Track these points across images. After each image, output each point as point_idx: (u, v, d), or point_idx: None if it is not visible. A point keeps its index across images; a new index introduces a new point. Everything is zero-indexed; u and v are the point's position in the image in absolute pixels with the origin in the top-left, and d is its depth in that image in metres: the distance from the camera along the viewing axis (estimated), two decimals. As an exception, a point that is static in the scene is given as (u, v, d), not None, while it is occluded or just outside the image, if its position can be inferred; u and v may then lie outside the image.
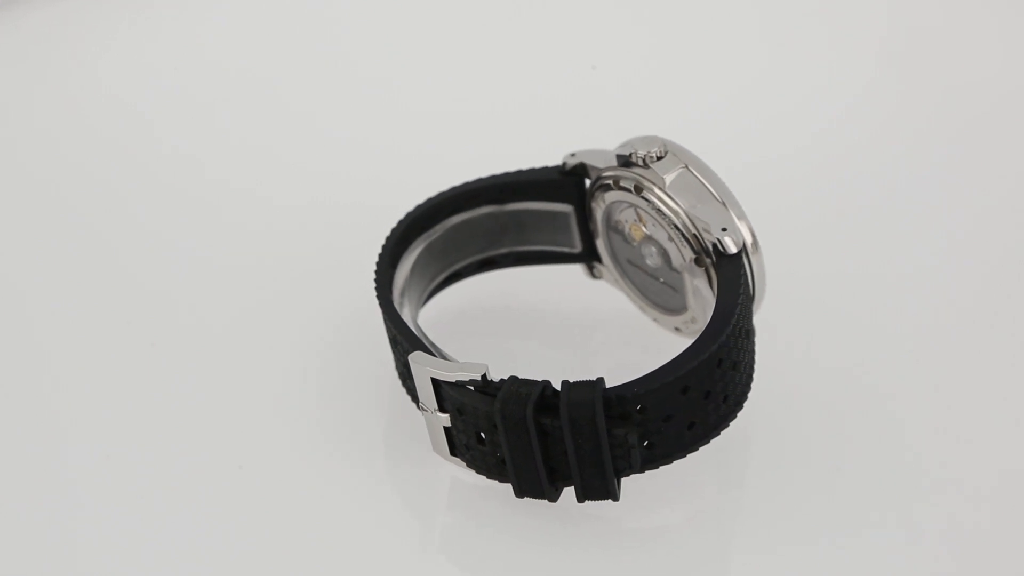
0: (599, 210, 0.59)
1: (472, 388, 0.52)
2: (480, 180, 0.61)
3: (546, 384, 0.51)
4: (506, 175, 0.61)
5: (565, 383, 0.51)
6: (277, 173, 0.73)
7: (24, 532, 0.56)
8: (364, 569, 0.55)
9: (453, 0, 0.83)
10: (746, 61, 0.78)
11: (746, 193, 0.55)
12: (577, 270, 0.63)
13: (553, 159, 0.62)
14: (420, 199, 0.60)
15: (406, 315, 0.57)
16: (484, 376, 0.52)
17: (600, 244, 0.61)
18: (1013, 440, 0.56)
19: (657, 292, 0.59)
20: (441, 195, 0.61)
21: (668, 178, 0.55)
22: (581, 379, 0.51)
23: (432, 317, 0.61)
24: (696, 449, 0.53)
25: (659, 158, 0.56)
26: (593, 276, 0.63)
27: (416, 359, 0.53)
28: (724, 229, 0.54)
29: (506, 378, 0.52)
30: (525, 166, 0.61)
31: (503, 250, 0.62)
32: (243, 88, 0.78)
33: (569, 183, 0.60)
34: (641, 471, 0.52)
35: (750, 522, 0.55)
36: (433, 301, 0.62)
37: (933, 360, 0.60)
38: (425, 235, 0.61)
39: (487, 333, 0.63)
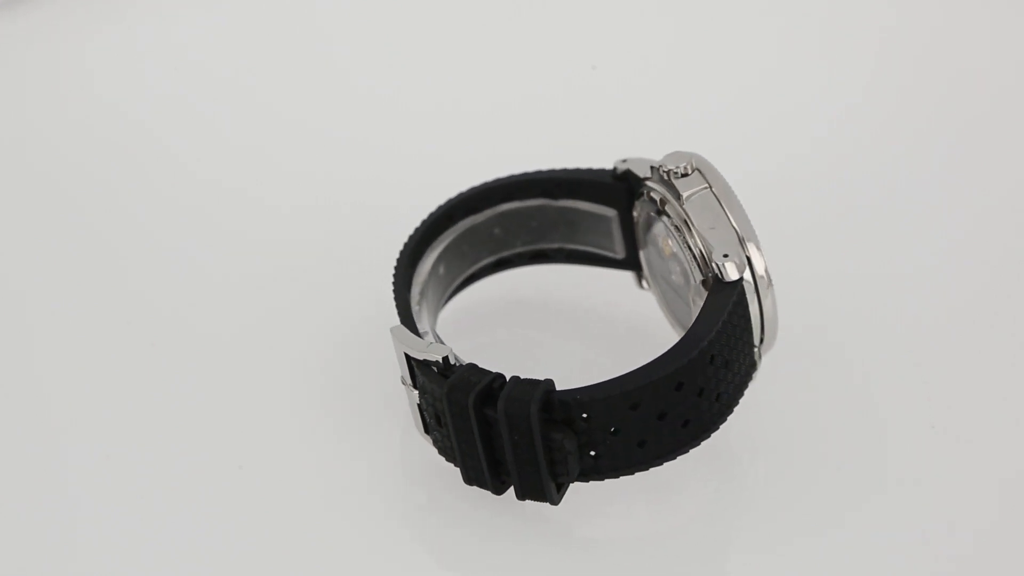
0: (640, 220, 0.59)
1: (435, 370, 0.52)
2: (536, 172, 0.60)
3: (497, 376, 0.51)
4: (563, 171, 0.60)
5: (513, 378, 0.51)
6: (276, 172, 0.73)
7: (24, 532, 0.56)
8: (365, 571, 0.55)
9: (453, 0, 0.83)
10: (746, 61, 0.78)
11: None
12: (631, 276, 0.62)
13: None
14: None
15: (431, 294, 0.57)
16: (446, 359, 0.52)
17: (642, 254, 0.60)
18: (1013, 440, 0.56)
19: (680, 309, 0.59)
20: (495, 181, 0.60)
21: (687, 196, 0.55)
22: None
23: (472, 304, 0.62)
24: (647, 468, 0.52)
25: (683, 175, 0.55)
26: (641, 286, 0.62)
27: (395, 333, 0.53)
28: (726, 255, 0.53)
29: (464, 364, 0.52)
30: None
31: (555, 245, 0.62)
32: (243, 88, 0.78)
33: (619, 188, 0.59)
34: (584, 480, 0.52)
35: (748, 521, 0.55)
36: (479, 287, 0.62)
37: (933, 360, 0.60)
38: (471, 217, 0.60)
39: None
